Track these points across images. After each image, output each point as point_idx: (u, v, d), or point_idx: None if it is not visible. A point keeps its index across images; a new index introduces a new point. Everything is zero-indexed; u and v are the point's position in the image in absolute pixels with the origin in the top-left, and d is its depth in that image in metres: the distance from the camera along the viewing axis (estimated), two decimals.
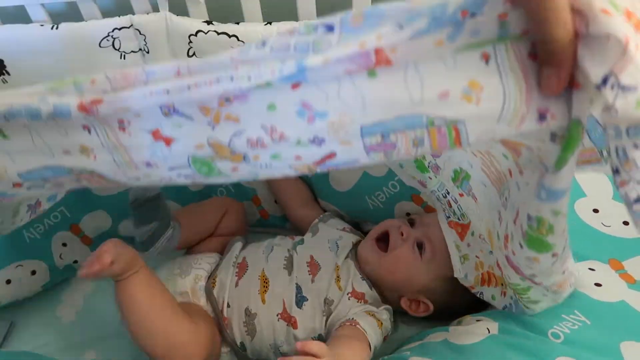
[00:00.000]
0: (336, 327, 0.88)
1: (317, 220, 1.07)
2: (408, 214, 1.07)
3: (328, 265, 0.94)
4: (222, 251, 1.06)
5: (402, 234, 0.93)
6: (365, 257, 0.95)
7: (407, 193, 1.03)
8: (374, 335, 0.86)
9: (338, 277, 0.95)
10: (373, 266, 0.93)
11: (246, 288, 0.93)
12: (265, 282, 0.93)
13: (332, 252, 0.96)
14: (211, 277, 0.98)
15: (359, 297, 0.91)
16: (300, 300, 0.92)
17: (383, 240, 0.98)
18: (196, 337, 0.84)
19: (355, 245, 1.01)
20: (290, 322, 0.93)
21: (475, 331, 0.87)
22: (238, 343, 0.96)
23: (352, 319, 0.89)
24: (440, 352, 0.83)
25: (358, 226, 1.12)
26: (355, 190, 1.06)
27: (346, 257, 0.96)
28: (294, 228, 1.16)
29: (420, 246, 0.92)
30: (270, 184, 1.13)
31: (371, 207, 1.06)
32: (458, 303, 0.96)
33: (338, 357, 0.72)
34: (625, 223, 0.96)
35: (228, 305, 0.94)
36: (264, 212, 1.20)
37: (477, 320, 0.90)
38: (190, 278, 0.97)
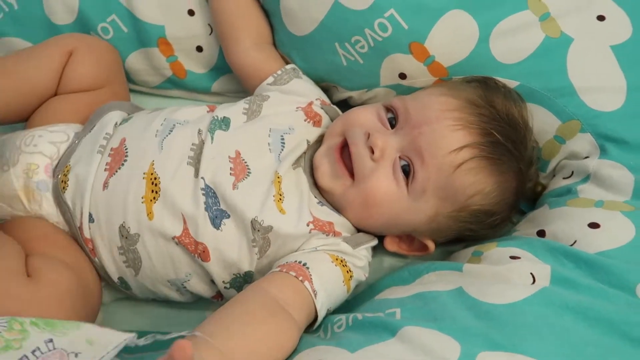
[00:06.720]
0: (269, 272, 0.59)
1: (272, 78, 0.73)
2: (403, 76, 0.68)
3: (262, 171, 0.64)
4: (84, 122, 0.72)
5: (372, 150, 0.61)
6: (324, 184, 0.66)
7: (405, 39, 0.68)
8: (327, 297, 0.58)
9: (280, 194, 0.62)
10: (337, 198, 0.65)
11: (122, 192, 0.62)
12: (154, 184, 0.61)
13: (272, 153, 0.65)
14: (60, 169, 0.65)
15: (326, 228, 0.63)
16: (216, 217, 0.61)
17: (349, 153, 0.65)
18: (40, 300, 0.54)
19: (316, 145, 0.69)
20: (197, 251, 0.58)
21: (510, 278, 0.53)
22: (115, 279, 0.62)
23: (300, 262, 0.58)
24: (454, 316, 0.49)
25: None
26: (320, 33, 0.71)
27: (295, 166, 0.66)
28: (224, 91, 0.84)
29: (407, 169, 0.61)
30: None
31: (344, 64, 0.73)
32: (481, 236, 0.67)
33: None
34: None
35: (91, 220, 0.62)
36: (178, 67, 0.83)
37: (512, 258, 0.56)
38: (19, 170, 0.63)
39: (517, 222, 0.68)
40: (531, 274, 0.53)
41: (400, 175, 0.62)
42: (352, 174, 0.63)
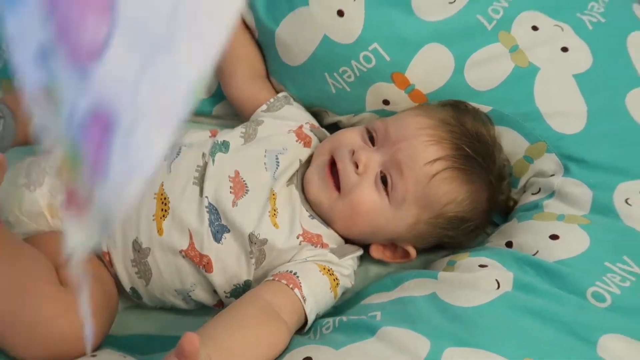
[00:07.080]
0: (264, 281, 0.65)
1: (266, 105, 0.79)
2: (386, 102, 0.76)
3: (259, 189, 0.70)
4: None
5: (357, 165, 0.68)
6: (313, 197, 0.72)
7: (387, 70, 0.75)
8: (315, 303, 0.64)
9: (274, 209, 0.69)
10: (325, 209, 0.71)
11: (135, 211, 0.68)
12: (164, 203, 0.67)
13: (268, 171, 0.71)
14: None
15: (314, 240, 0.69)
16: (218, 232, 0.67)
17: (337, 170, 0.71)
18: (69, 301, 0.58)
19: (307, 164, 0.75)
20: (202, 263, 0.64)
21: (478, 284, 0.60)
22: (128, 289, 0.68)
23: (291, 271, 0.64)
24: (427, 318, 0.56)
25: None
26: (311, 64, 0.78)
27: (288, 183, 0.72)
28: (223, 114, 0.90)
29: (385, 180, 0.67)
30: None
31: (333, 91, 0.80)
32: (458, 242, 0.74)
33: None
34: None
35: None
36: None
37: (481, 266, 0.63)
38: (44, 190, 0.69)
39: (491, 234, 0.75)
40: (496, 280, 0.60)
41: (382, 187, 0.68)
42: (338, 188, 0.69)
